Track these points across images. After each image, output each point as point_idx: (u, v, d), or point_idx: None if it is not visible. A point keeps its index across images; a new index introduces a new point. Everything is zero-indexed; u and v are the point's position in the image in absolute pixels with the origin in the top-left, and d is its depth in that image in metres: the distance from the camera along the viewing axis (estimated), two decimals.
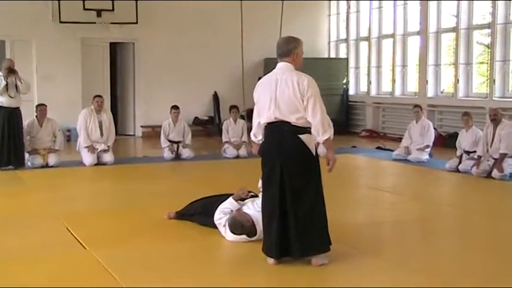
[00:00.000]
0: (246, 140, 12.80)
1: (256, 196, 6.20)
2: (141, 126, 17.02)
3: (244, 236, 5.97)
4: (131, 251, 5.89)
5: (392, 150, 12.69)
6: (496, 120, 9.99)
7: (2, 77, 10.79)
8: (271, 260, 5.30)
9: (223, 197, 6.47)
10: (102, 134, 11.61)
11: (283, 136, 5.25)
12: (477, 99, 14.13)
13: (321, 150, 5.58)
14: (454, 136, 13.79)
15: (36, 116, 11.45)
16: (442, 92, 15.48)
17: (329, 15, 19.01)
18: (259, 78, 18.08)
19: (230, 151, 12.52)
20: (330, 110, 13.80)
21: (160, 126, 12.84)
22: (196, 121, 17.02)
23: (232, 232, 6.03)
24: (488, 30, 14.12)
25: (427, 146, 12.03)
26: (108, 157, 11.57)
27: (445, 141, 13.85)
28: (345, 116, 17.75)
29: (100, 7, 15.59)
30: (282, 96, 5.22)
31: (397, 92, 16.54)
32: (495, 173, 9.79)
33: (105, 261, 5.46)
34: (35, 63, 15.72)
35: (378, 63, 17.35)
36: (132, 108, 17.23)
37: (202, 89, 17.38)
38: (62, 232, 6.55)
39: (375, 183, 10.42)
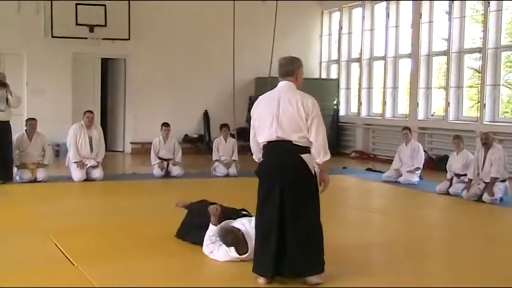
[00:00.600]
0: (237, 159, 12.78)
1: (251, 216, 6.13)
2: (131, 143, 16.95)
3: (235, 255, 5.90)
4: (119, 267, 5.82)
5: (382, 172, 12.68)
6: (487, 144, 10.00)
7: None
8: (261, 279, 5.25)
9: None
10: (92, 150, 11.54)
11: (285, 155, 5.21)
12: (467, 123, 14.18)
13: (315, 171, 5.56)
14: (444, 159, 13.79)
15: (25, 130, 11.36)
16: (432, 115, 15.54)
17: (321, 35, 19.09)
18: (250, 98, 18.34)
19: (220, 169, 12.48)
20: None
21: (150, 143, 12.78)
22: (186, 139, 16.98)
23: (221, 240, 5.95)
24: (478, 55, 14.22)
25: (418, 168, 12.04)
26: (97, 173, 11.49)
27: (435, 164, 13.86)
28: (335, 136, 17.73)
29: (93, 22, 15.58)
30: (284, 115, 5.18)
31: (388, 114, 16.58)
32: (486, 196, 9.78)
33: (92, 277, 5.41)
34: (25, 77, 15.65)
35: (368, 84, 17.41)
36: (122, 125, 17.16)
37: (193, 107, 17.36)
38: (50, 247, 6.47)
39: (366, 204, 10.39)
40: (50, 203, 9.38)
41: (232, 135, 13.89)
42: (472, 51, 14.63)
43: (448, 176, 10.92)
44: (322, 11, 19.08)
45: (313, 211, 5.25)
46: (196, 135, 17.42)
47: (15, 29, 15.41)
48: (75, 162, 11.35)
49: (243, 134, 17.57)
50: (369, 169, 14.22)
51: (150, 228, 7.17)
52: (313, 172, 5.25)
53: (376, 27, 17.16)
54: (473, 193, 10.02)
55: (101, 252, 6.37)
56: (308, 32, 19.01)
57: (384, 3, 16.68)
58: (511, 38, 14.28)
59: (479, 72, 14.31)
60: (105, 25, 15.72)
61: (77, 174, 11.28)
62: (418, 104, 15.50)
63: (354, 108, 18.11)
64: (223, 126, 13.08)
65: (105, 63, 17.12)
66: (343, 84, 18.37)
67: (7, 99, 10.78)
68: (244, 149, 14.61)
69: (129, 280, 5.45)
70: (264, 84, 17.75)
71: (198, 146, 17.26)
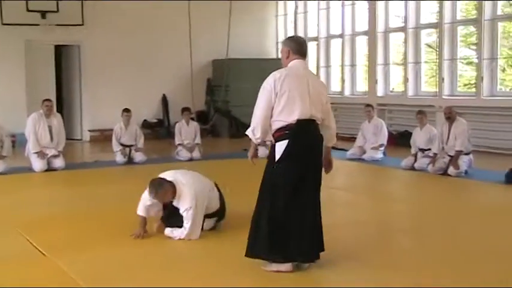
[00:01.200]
0: (200, 142, 12.66)
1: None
2: (89, 130, 16.64)
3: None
4: (92, 256, 5.75)
5: (346, 150, 12.68)
6: (450, 118, 10.09)
7: None
8: (287, 266, 5.05)
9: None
10: (52, 139, 11.26)
11: (315, 135, 5.08)
12: (426, 98, 14.31)
13: None
14: (405, 135, 13.98)
15: None
16: (391, 91, 15.64)
17: (276, 15, 19.00)
18: (208, 80, 18.15)
19: (183, 154, 12.33)
20: None
21: (108, 130, 12.58)
22: (146, 124, 16.75)
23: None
24: (435, 30, 14.32)
25: (381, 145, 12.11)
26: (58, 162, 11.23)
27: (396, 140, 13.97)
28: None
29: (44, 8, 15.17)
30: (314, 94, 5.06)
31: (347, 92, 16.63)
32: (451, 170, 9.89)
33: (67, 267, 5.32)
34: None
35: (326, 63, 17.41)
36: (78, 112, 16.82)
37: (151, 91, 17.10)
38: (19, 241, 6.31)
39: (333, 183, 10.34)
40: (12, 195, 9.11)
41: (192, 119, 13.72)
42: (428, 26, 14.73)
43: (413, 151, 11.01)
44: None
45: (319, 196, 5.19)
46: (155, 120, 17.22)
47: None
48: (36, 152, 11.06)
49: (202, 117, 17.49)
50: (332, 148, 14.16)
51: (118, 216, 7.06)
52: None
53: (332, 5, 17.14)
54: (439, 167, 10.13)
55: (71, 242, 6.25)
56: (263, 12, 18.90)
57: None
58: (466, 13, 14.39)
59: (434, 49, 14.45)
60: (57, 11, 15.33)
61: (37, 164, 11.00)
62: (376, 80, 15.58)
63: None
64: (185, 109, 12.91)
65: (59, 50, 16.71)
66: None
67: None
68: (204, 132, 14.54)
69: (104, 268, 5.40)
70: (221, 66, 17.68)
71: (157, 130, 17.06)
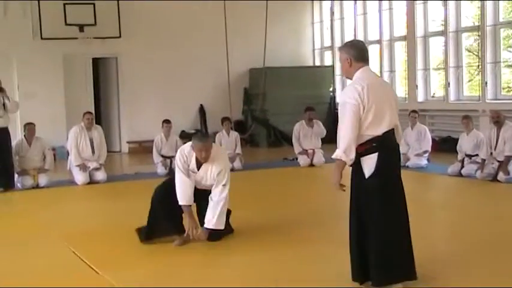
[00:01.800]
0: (240, 152, 12.55)
1: None
2: (127, 142, 16.66)
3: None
4: (144, 271, 5.65)
5: None
6: (499, 122, 9.84)
7: None
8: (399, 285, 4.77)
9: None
10: (93, 152, 11.26)
11: (397, 145, 4.86)
12: (469, 102, 14.02)
13: None
14: (447, 140, 13.75)
15: (24, 135, 11.07)
16: (432, 96, 15.38)
17: (312, 22, 18.86)
18: (245, 89, 18.03)
19: None
20: (318, 119, 13.68)
21: (146, 141, 12.53)
22: (183, 134, 16.66)
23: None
24: (476, 33, 14.05)
25: (426, 151, 11.87)
26: (100, 175, 11.22)
27: (439, 146, 13.69)
28: (332, 124, 17.42)
29: (82, 22, 15.22)
30: (393, 100, 4.85)
31: None
32: (501, 176, 9.64)
33: (121, 284, 5.24)
34: (16, 81, 15.26)
35: None
36: (117, 124, 16.86)
37: (188, 102, 17.07)
38: (68, 255, 6.23)
39: None
40: (56, 208, 9.12)
41: (231, 128, 13.62)
42: (469, 29, 14.46)
43: (459, 157, 10.75)
44: None
45: None
46: (193, 131, 17.13)
47: (3, 32, 15.03)
48: (78, 165, 11.06)
49: (240, 127, 17.40)
50: None
51: None
52: None
53: (369, 11, 16.94)
54: (488, 173, 9.88)
55: (121, 256, 6.17)
56: (299, 19, 18.78)
57: None
58: (505, 15, 14.09)
59: (473, 53, 14.19)
60: (95, 24, 15.37)
61: (80, 177, 11.00)
62: (416, 86, 15.32)
63: None
64: (225, 119, 12.83)
65: (97, 62, 16.79)
66: (338, 70, 18.11)
67: (4, 105, 10.48)
68: (242, 142, 14.46)
69: (157, 283, 5.30)
70: (259, 75, 17.59)
71: None
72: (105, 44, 15.87)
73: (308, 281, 5.17)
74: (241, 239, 6.62)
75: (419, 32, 15.25)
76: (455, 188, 10.10)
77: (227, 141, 12.52)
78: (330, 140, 13.55)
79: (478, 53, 13.98)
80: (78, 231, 7.36)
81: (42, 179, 10.81)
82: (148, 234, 6.51)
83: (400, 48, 16.26)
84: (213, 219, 6.26)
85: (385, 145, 4.68)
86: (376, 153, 4.63)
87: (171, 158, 12.00)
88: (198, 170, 6.34)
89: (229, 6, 15.98)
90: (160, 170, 11.88)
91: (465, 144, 10.71)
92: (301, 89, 16.76)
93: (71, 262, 6.00)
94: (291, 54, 18.30)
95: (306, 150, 12.72)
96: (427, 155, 11.89)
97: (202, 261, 6.00)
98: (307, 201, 9.00)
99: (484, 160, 10.03)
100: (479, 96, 13.80)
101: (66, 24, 15.11)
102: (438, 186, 10.24)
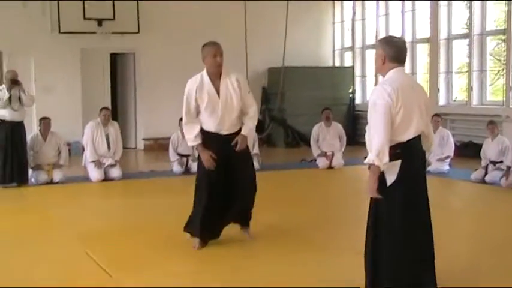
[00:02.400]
0: (258, 152, 12.32)
1: None
2: (143, 139, 16.49)
3: None
4: (158, 274, 5.45)
5: None
6: None
7: (5, 89, 10.28)
8: None
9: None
10: (109, 148, 11.10)
11: (423, 152, 4.59)
12: (492, 107, 13.73)
13: None
14: (469, 145, 13.47)
15: (39, 130, 10.93)
16: (454, 100, 15.08)
17: (333, 22, 18.60)
18: (263, 88, 17.83)
19: None
20: (337, 120, 13.47)
21: (162, 139, 12.34)
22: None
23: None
24: (502, 36, 13.75)
25: (448, 157, 11.59)
26: (115, 172, 11.05)
27: (460, 151, 13.38)
28: (351, 126, 17.23)
29: (101, 16, 15.06)
30: (424, 105, 4.52)
31: None
32: None
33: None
34: (33, 75, 15.13)
35: None
36: (133, 121, 16.72)
37: None
38: (80, 255, 6.06)
39: None
40: (70, 205, 8.97)
41: None
42: (494, 33, 14.15)
43: (483, 163, 10.47)
44: None
45: None
46: None
47: (21, 25, 14.89)
48: (93, 161, 10.90)
49: (258, 127, 17.07)
50: None
51: (179, 229, 6.75)
52: None
53: (391, 11, 16.67)
54: None
55: (134, 258, 6.00)
56: (320, 19, 18.53)
57: None
58: None
59: (495, 57, 13.90)
60: (114, 19, 15.18)
61: (95, 174, 10.84)
62: (438, 89, 15.04)
63: None
64: None
65: (114, 58, 16.65)
66: (358, 71, 17.89)
67: (20, 99, 10.33)
68: (260, 142, 14.25)
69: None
70: (277, 74, 17.38)
71: None
72: (123, 39, 15.72)
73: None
74: (260, 243, 6.43)
75: (443, 34, 14.95)
76: (479, 194, 9.81)
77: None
78: (348, 142, 13.37)
79: (504, 56, 13.68)
80: (92, 230, 7.20)
81: (57, 175, 10.67)
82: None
83: (423, 50, 15.96)
84: (252, 127, 6.23)
85: (410, 152, 4.40)
86: (400, 160, 4.36)
87: (188, 156, 11.85)
88: (218, 92, 6.13)
89: (249, 5, 15.78)
90: (177, 168, 11.70)
91: (490, 150, 10.42)
92: (320, 90, 16.52)
93: (83, 263, 5.84)
94: (311, 54, 18.05)
95: (325, 153, 12.49)
96: (449, 160, 11.62)
97: (220, 267, 5.77)
98: (328, 205, 8.80)
99: (509, 167, 9.74)
100: (503, 101, 13.50)
101: (84, 18, 14.94)
102: (462, 193, 9.97)
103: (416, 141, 4.45)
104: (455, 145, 13.58)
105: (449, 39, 14.96)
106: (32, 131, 11.71)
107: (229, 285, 5.13)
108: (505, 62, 13.61)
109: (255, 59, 16.80)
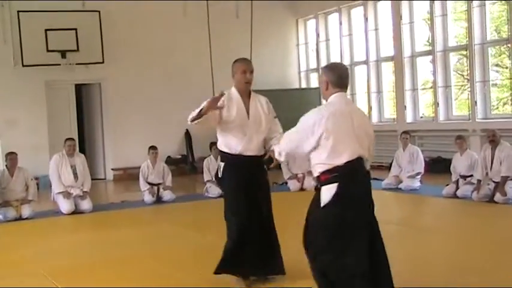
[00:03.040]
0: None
1: None
2: (112, 169, 16.32)
3: None
4: None
5: (380, 180, 12.20)
6: (494, 141, 9.64)
7: None
8: None
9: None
10: (76, 178, 10.93)
11: (364, 175, 4.54)
12: (459, 122, 13.87)
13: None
14: (439, 161, 13.57)
15: (6, 166, 10.72)
16: (421, 117, 15.21)
17: (297, 44, 18.72)
18: None
19: (213, 190, 11.88)
20: None
21: (132, 168, 12.23)
22: (170, 160, 16.37)
23: None
24: (465, 52, 13.95)
25: (418, 173, 11.65)
26: (85, 204, 10.88)
27: (430, 167, 13.47)
28: None
29: (64, 48, 14.90)
30: (360, 130, 4.48)
31: (375, 119, 16.19)
32: (498, 197, 9.41)
33: None
34: None
35: (352, 90, 16.97)
36: (101, 151, 16.55)
37: (174, 127, 16.74)
38: None
39: (379, 216, 9.91)
40: (41, 241, 8.74)
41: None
42: (457, 49, 14.36)
43: (454, 178, 10.54)
44: (297, 19, 18.72)
45: None
46: (179, 156, 16.87)
47: None
48: (60, 192, 10.73)
49: None
50: None
51: (153, 261, 6.64)
52: None
53: (355, 31, 16.83)
54: (484, 194, 9.66)
55: None
56: (284, 41, 18.66)
57: (361, 7, 16.36)
58: (497, 33, 14.02)
59: (457, 72, 14.09)
60: (78, 50, 15.06)
61: (65, 206, 10.66)
62: (405, 106, 15.16)
63: None
64: (214, 144, 12.48)
65: (80, 89, 16.51)
66: None
67: None
68: None
69: None
70: None
71: (181, 167, 16.70)
72: (88, 70, 15.60)
73: None
74: None
75: (407, 51, 15.13)
76: (451, 210, 9.85)
77: (215, 167, 12.19)
78: None
79: (466, 71, 13.87)
80: (64, 266, 7.03)
81: (26, 211, 10.45)
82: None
83: (387, 68, 16.12)
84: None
85: (349, 174, 4.38)
86: (336, 184, 4.34)
87: (158, 185, 11.73)
88: (247, 111, 5.89)
89: (213, 29, 15.77)
90: (148, 198, 11.57)
91: (459, 164, 10.50)
92: (287, 112, 16.42)
93: None
94: (277, 76, 18.11)
95: (296, 175, 12.47)
96: (419, 176, 11.67)
97: None
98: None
99: (479, 181, 9.81)
100: (469, 115, 13.66)
101: (48, 50, 14.79)
102: (434, 209, 9.99)
103: (355, 164, 4.41)
104: (425, 161, 13.69)
105: (413, 56, 15.14)
106: (2, 167, 11.49)
107: None
108: (467, 77, 13.80)
109: (222, 85, 16.60)
